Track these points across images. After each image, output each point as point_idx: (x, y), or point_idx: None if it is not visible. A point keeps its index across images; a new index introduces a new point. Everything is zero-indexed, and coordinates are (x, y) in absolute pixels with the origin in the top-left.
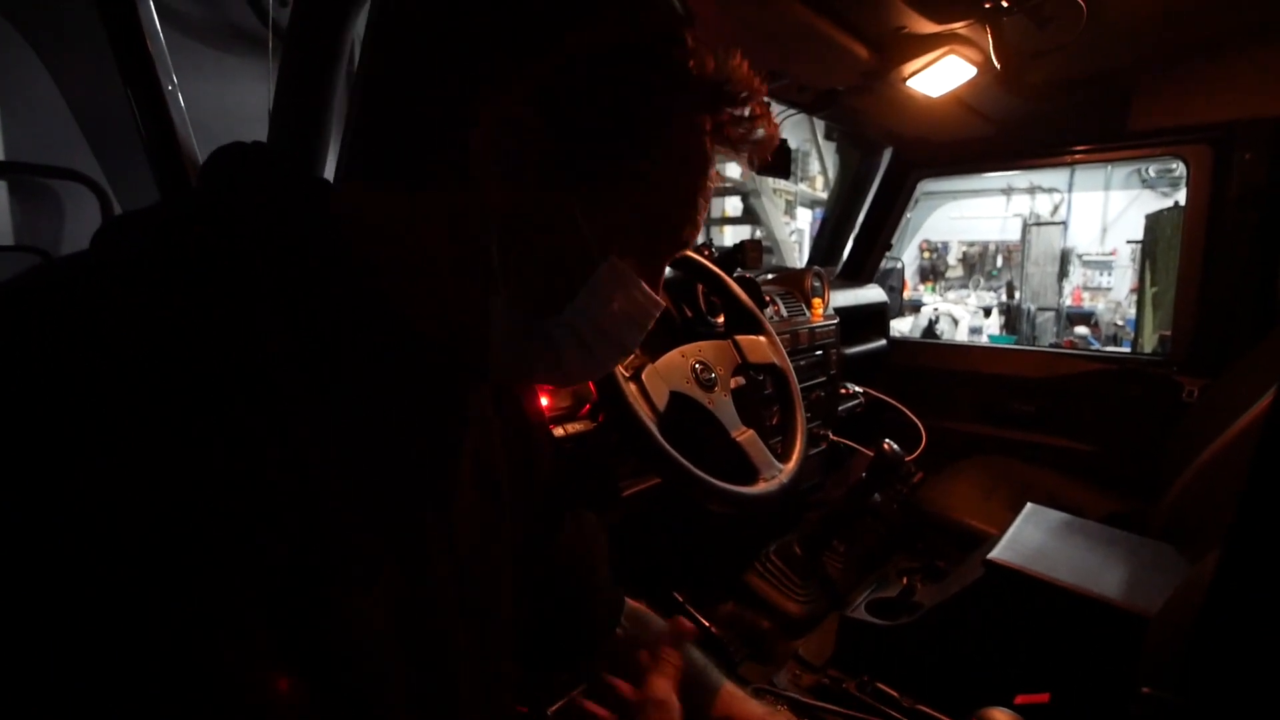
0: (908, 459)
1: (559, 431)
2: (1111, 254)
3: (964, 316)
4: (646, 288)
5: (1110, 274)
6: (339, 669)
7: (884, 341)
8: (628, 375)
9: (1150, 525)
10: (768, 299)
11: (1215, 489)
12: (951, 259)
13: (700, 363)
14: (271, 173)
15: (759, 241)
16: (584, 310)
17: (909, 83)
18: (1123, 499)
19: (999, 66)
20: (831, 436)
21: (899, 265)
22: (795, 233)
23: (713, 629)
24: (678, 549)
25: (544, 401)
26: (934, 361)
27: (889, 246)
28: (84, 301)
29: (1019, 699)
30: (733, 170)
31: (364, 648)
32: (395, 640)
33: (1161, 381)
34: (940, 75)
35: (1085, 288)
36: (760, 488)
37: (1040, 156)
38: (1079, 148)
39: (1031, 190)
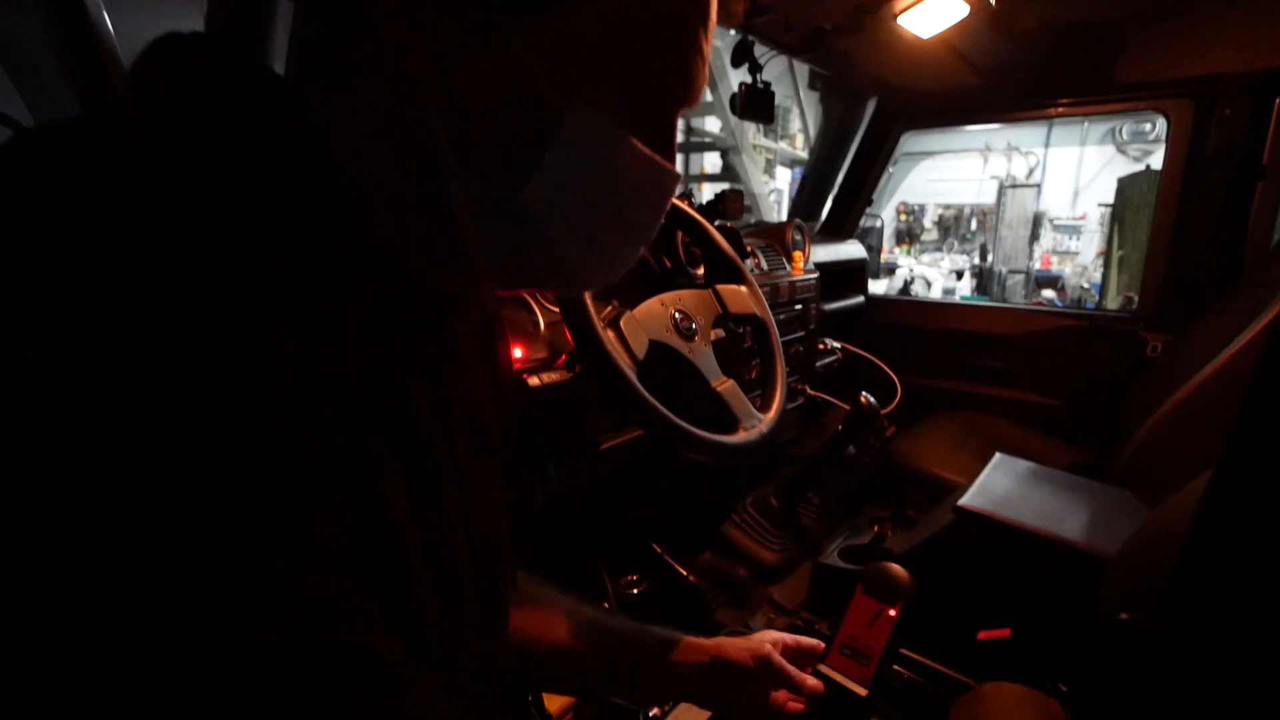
0: (883, 412)
1: (534, 381)
2: (1081, 218)
3: (937, 279)
4: (642, 146)
5: (1079, 238)
6: (386, 574)
7: (862, 298)
8: (605, 323)
9: (1110, 474)
10: (749, 249)
11: (1173, 439)
12: (927, 222)
13: (680, 311)
14: (224, 68)
15: (740, 191)
16: (557, 177)
17: (900, 20)
18: (1086, 451)
19: (994, 3)
20: (809, 391)
21: (878, 224)
22: (774, 192)
23: (690, 578)
24: (656, 502)
25: (517, 353)
26: (910, 319)
27: (870, 202)
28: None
29: (982, 635)
30: (712, 124)
31: (403, 561)
32: (425, 571)
33: (1127, 338)
34: (932, 12)
35: (1054, 252)
36: (741, 437)
37: (1025, 109)
38: (1063, 100)
39: (1009, 152)
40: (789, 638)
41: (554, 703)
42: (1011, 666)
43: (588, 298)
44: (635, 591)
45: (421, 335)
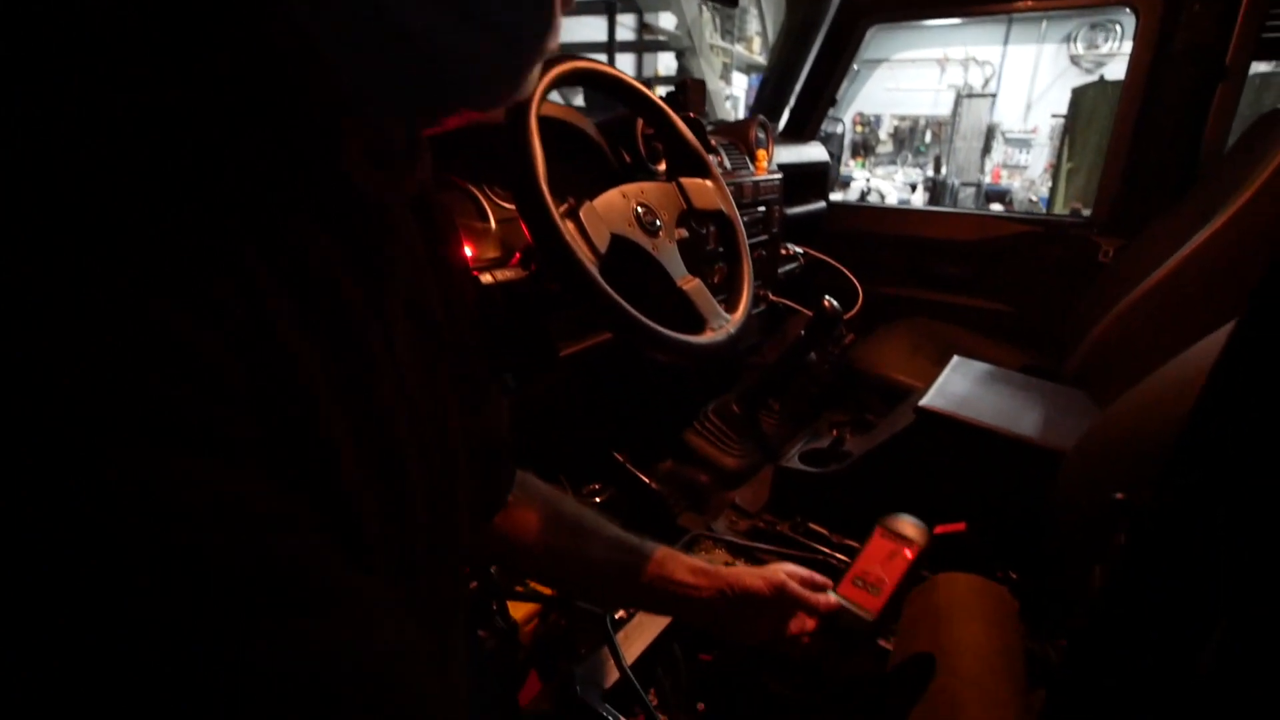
0: (846, 317)
1: (487, 279)
2: (1033, 131)
3: (891, 192)
4: None
5: (1029, 152)
6: (317, 487)
7: (823, 204)
8: (563, 212)
9: (1062, 375)
10: (713, 143)
11: (1124, 340)
12: (883, 134)
13: (642, 205)
14: None
15: (702, 82)
16: None
17: None
18: (1039, 355)
19: None
20: (771, 297)
21: (840, 128)
22: (730, 99)
23: (653, 485)
24: (617, 411)
25: (467, 251)
26: (870, 225)
27: (834, 103)
28: None
29: (938, 529)
30: (667, 21)
31: (337, 470)
32: (360, 468)
33: (1081, 243)
34: None
35: (1004, 165)
36: (708, 338)
37: (993, 1)
38: None
39: (966, 62)
40: (802, 571)
41: (519, 610)
42: (965, 558)
43: (544, 187)
44: (598, 500)
45: (321, 188)
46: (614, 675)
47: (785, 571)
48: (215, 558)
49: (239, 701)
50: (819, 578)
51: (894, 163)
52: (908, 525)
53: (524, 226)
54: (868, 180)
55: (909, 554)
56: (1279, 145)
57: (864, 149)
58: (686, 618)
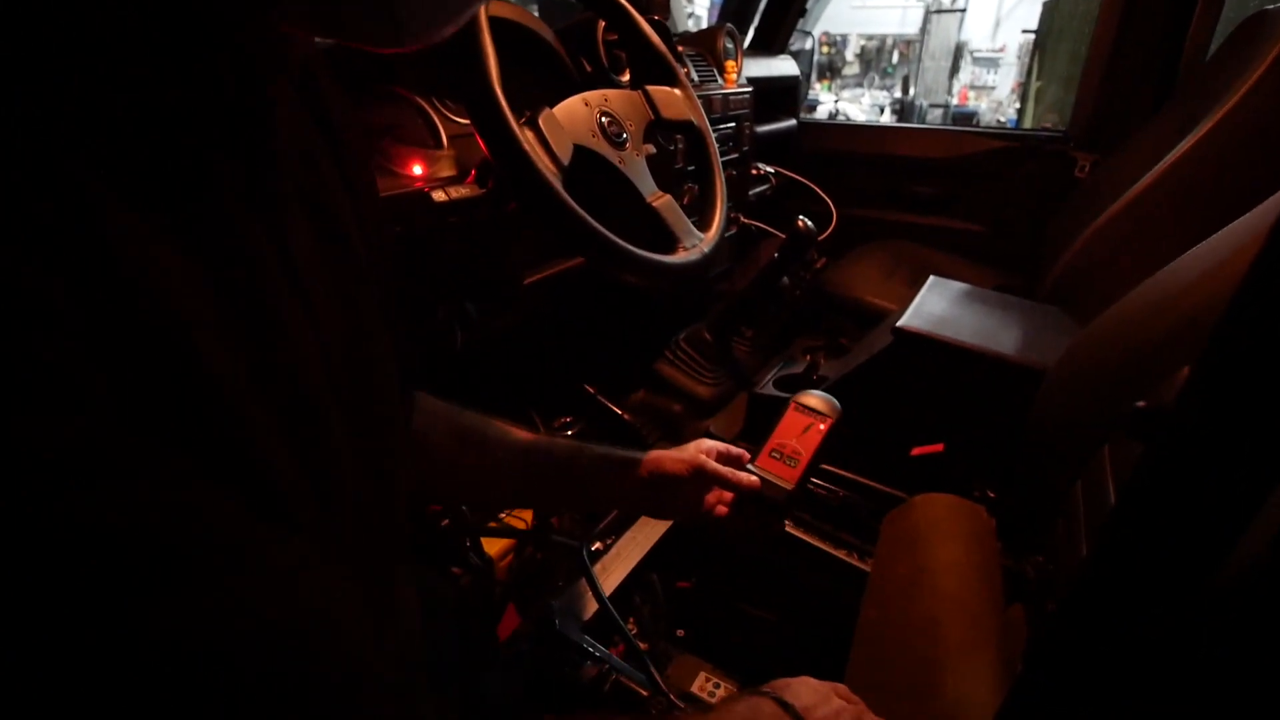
0: (820, 237)
1: (440, 196)
2: (1000, 50)
3: (858, 116)
4: None
5: (996, 72)
6: (205, 418)
7: (794, 121)
8: (521, 123)
9: (1038, 294)
10: (680, 49)
11: (1102, 256)
12: (849, 54)
13: (607, 114)
14: None
15: None
16: None
17: None
18: (1014, 274)
19: None
20: (743, 220)
21: (809, 43)
22: (692, 16)
23: (625, 416)
24: (586, 342)
25: (417, 170)
26: (842, 144)
27: (804, 12)
28: None
29: (915, 451)
30: None
31: (235, 420)
32: (264, 411)
33: (1056, 158)
34: None
35: (972, 86)
36: (680, 257)
37: None
38: None
39: None
40: (720, 445)
41: (493, 546)
42: (943, 479)
43: (498, 89)
44: (570, 433)
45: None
46: (592, 606)
47: (703, 450)
48: (89, 522)
49: (139, 662)
50: (734, 450)
51: (860, 85)
52: (820, 401)
53: (479, 138)
54: (835, 103)
55: (823, 427)
56: (1264, 51)
57: (830, 71)
58: (607, 507)
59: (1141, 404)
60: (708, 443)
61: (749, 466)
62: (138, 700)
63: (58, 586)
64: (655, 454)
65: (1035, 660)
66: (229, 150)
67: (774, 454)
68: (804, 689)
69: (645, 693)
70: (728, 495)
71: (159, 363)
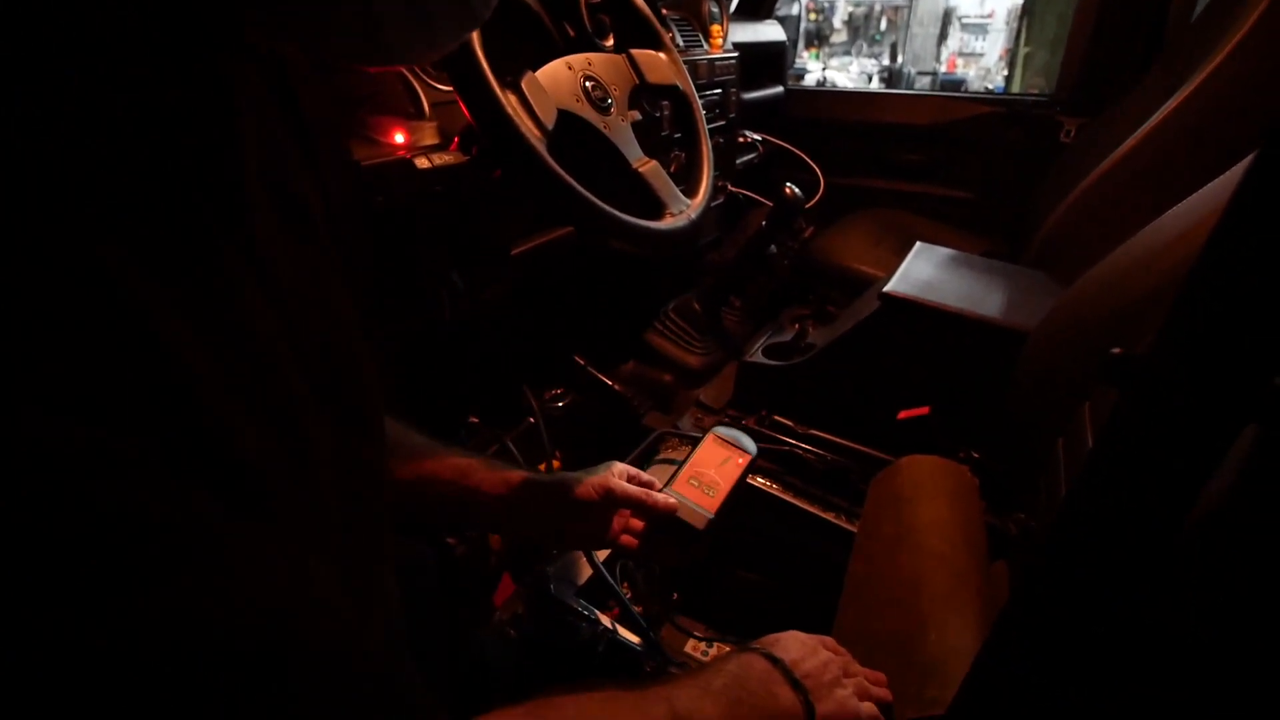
0: (808, 205)
1: (423, 163)
2: (989, 16)
3: (846, 84)
4: None
5: (985, 38)
6: (164, 406)
7: (780, 89)
8: (504, 84)
9: (1023, 258)
10: (664, 12)
11: (1086, 220)
12: (836, 21)
13: (591, 79)
14: None
15: None
16: None
17: None
18: (1000, 240)
19: None
20: (730, 188)
21: (795, 9)
22: None
23: (616, 387)
24: (576, 313)
25: (399, 138)
26: (829, 111)
27: None
28: None
29: (902, 414)
30: None
31: (183, 386)
32: (238, 403)
33: (1042, 123)
34: None
35: (960, 54)
36: (668, 223)
37: None
38: None
39: None
40: (631, 469)
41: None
42: (929, 441)
43: (479, 51)
44: (561, 405)
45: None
46: (587, 572)
47: (615, 472)
48: (70, 517)
49: (117, 651)
50: (645, 475)
51: (849, 53)
52: (740, 438)
53: (460, 103)
54: (823, 70)
55: (741, 462)
56: (1248, 12)
57: (817, 38)
58: (499, 532)
59: (1117, 350)
60: (619, 465)
61: (666, 490)
62: (119, 688)
63: (39, 579)
64: (565, 476)
65: (1014, 601)
66: (193, 144)
67: (692, 481)
68: (793, 643)
69: (640, 651)
70: (636, 524)
71: (132, 359)
